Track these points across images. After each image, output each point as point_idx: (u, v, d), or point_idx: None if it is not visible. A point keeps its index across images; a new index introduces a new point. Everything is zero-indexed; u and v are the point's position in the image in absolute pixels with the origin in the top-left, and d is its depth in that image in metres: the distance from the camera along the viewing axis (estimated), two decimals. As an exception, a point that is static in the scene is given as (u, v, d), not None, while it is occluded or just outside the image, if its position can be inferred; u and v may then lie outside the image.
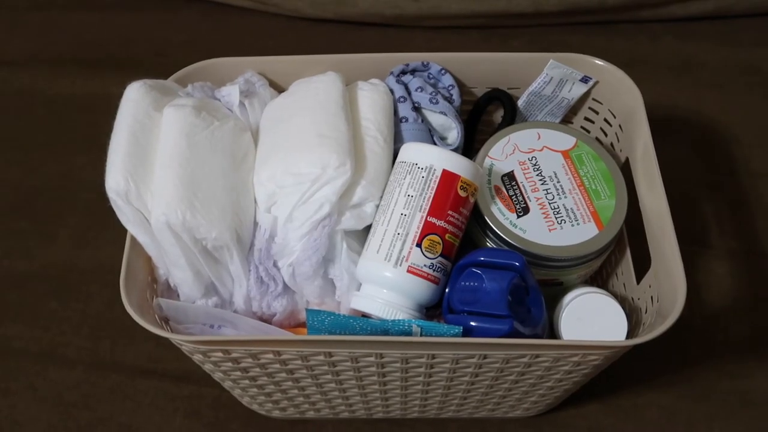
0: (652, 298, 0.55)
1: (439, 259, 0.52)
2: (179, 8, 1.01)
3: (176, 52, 0.95)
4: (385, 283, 0.52)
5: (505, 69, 0.63)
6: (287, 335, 0.55)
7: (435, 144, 0.59)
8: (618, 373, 0.62)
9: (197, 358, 0.53)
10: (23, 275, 0.78)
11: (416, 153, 0.54)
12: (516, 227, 0.55)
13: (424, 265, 0.52)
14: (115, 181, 0.51)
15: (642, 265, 0.58)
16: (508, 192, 0.57)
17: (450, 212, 0.53)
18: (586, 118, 0.66)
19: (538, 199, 0.56)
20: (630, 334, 0.54)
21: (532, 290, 0.51)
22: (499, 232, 0.55)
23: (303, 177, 0.53)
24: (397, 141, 0.59)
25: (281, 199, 0.55)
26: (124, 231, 0.53)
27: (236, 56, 0.63)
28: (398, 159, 0.55)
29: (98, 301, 0.75)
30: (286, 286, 0.56)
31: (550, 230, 0.55)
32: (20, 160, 0.87)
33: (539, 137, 0.60)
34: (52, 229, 0.81)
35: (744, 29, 0.96)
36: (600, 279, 0.66)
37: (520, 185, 0.57)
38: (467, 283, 0.50)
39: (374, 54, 0.62)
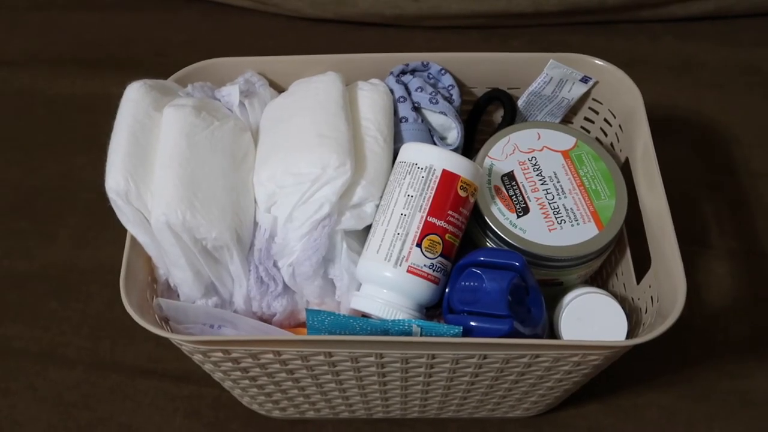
0: (652, 298, 0.55)
1: (439, 259, 0.52)
2: (179, 8, 1.01)
3: (176, 52, 0.95)
4: (385, 283, 0.52)
5: (505, 69, 0.63)
6: (287, 335, 0.55)
7: (435, 144, 0.59)
8: (618, 373, 0.62)
9: (197, 358, 0.53)
10: (23, 275, 0.78)
11: (416, 153, 0.54)
12: (516, 227, 0.55)
13: (424, 265, 0.52)
14: (115, 181, 0.51)
15: (642, 265, 0.58)
16: (508, 192, 0.57)
17: (450, 212, 0.53)
18: (586, 118, 0.66)
19: (538, 199, 0.56)
20: (630, 334, 0.54)
21: (532, 290, 0.51)
22: (499, 232, 0.55)
23: (303, 177, 0.53)
24: (397, 141, 0.59)
25: (281, 199, 0.55)
26: (124, 231, 0.53)
27: (236, 56, 0.63)
28: (398, 159, 0.55)
29: (98, 301, 0.75)
30: (286, 286, 0.56)
31: (550, 230, 0.55)
32: (20, 160, 0.87)
33: (539, 137, 0.60)
34: (52, 229, 0.81)
35: (744, 29, 0.96)
36: (600, 279, 0.66)
37: (520, 185, 0.57)
38: (467, 283, 0.50)
39: (374, 54, 0.62)
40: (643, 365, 0.69)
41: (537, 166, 0.58)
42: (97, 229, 0.80)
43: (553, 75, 0.61)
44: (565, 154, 0.59)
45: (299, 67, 0.62)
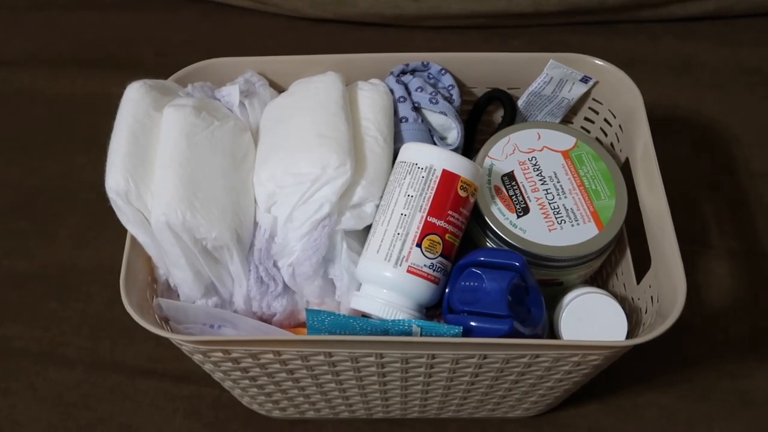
0: (652, 298, 0.55)
1: (439, 259, 0.52)
2: (179, 8, 1.01)
3: (176, 52, 0.95)
4: (385, 283, 0.52)
5: (505, 69, 0.63)
6: (287, 335, 0.55)
7: (435, 144, 0.59)
8: (618, 373, 0.62)
9: (197, 358, 0.53)
10: (23, 275, 0.78)
11: (416, 153, 0.54)
12: (516, 227, 0.55)
13: (424, 265, 0.52)
14: (115, 181, 0.51)
15: (642, 265, 0.58)
16: (508, 192, 0.57)
17: (450, 212, 0.53)
18: (586, 118, 0.66)
19: (538, 199, 0.56)
20: (630, 334, 0.54)
21: (532, 290, 0.51)
22: (499, 232, 0.55)
23: (303, 177, 0.53)
24: (397, 141, 0.59)
25: (281, 199, 0.55)
26: (124, 231, 0.53)
27: (236, 56, 0.63)
28: (398, 159, 0.55)
29: (98, 301, 0.75)
30: (286, 286, 0.56)
31: (550, 230, 0.55)
32: (20, 160, 0.87)
33: (539, 137, 0.60)
34: (52, 229, 0.81)
35: (744, 29, 0.96)
36: (600, 279, 0.66)
37: (520, 185, 0.57)
38: (467, 283, 0.50)
39: (374, 54, 0.62)
40: (643, 365, 0.69)
41: (537, 166, 0.58)
42: (97, 229, 0.80)
43: (553, 75, 0.61)
44: (565, 154, 0.59)
45: (299, 67, 0.62)
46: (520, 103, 0.64)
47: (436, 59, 0.63)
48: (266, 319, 0.57)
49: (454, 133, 0.61)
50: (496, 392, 0.58)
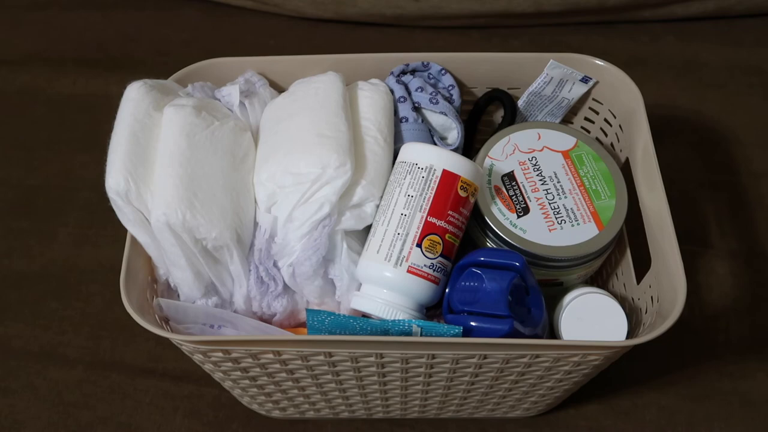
0: (652, 298, 0.55)
1: (439, 259, 0.52)
2: (180, 8, 1.01)
3: (177, 51, 0.95)
4: (385, 283, 0.52)
5: (505, 69, 0.63)
6: (287, 335, 0.55)
7: (435, 144, 0.59)
8: (618, 373, 0.62)
9: (197, 358, 0.53)
10: (23, 275, 0.78)
11: (416, 153, 0.54)
12: (516, 227, 0.55)
13: (424, 265, 0.52)
14: (115, 180, 0.51)
15: (642, 265, 0.58)
16: (508, 192, 0.57)
17: (450, 212, 0.53)
18: (586, 118, 0.66)
19: (538, 199, 0.56)
20: (630, 335, 0.54)
21: (532, 290, 0.51)
22: (499, 232, 0.55)
23: (303, 177, 0.53)
24: (397, 141, 0.59)
25: (281, 199, 0.55)
26: (124, 231, 0.53)
27: (236, 56, 0.63)
28: (398, 159, 0.55)
29: (98, 300, 0.75)
30: (286, 286, 0.56)
31: (550, 230, 0.55)
32: (20, 159, 0.87)
33: (539, 137, 0.60)
34: (52, 229, 0.81)
35: (745, 29, 0.96)
36: (600, 279, 0.66)
37: (520, 185, 0.57)
38: (467, 283, 0.50)
39: (374, 54, 0.62)
40: (643, 365, 0.69)
41: (537, 166, 0.58)
42: (97, 228, 0.80)
43: (553, 75, 0.61)
44: (566, 154, 0.59)
45: (299, 67, 0.62)
46: (520, 103, 0.64)
47: (436, 59, 0.63)
48: (266, 319, 0.57)
49: (454, 133, 0.61)
50: (496, 392, 0.58)
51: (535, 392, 0.58)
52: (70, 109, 0.91)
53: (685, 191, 0.80)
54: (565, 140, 0.60)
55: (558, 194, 0.57)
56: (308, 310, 0.49)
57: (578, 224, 0.55)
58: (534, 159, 0.59)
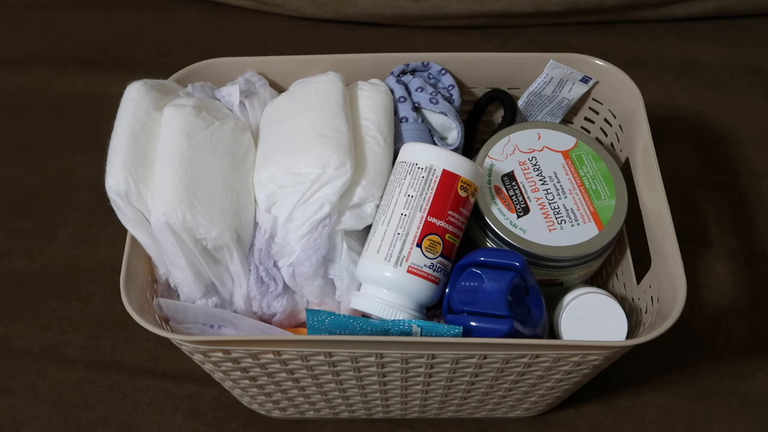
0: (652, 298, 0.55)
1: (439, 259, 0.52)
2: (180, 8, 1.01)
3: (177, 51, 0.95)
4: (385, 283, 0.52)
5: (505, 69, 0.63)
6: (287, 335, 0.55)
7: (435, 144, 0.59)
8: (618, 373, 0.62)
9: (197, 358, 0.53)
10: (23, 275, 0.78)
11: (416, 153, 0.54)
12: (516, 227, 0.55)
13: (424, 265, 0.52)
14: (115, 180, 0.51)
15: (642, 265, 0.58)
16: (508, 192, 0.57)
17: (450, 212, 0.53)
18: (586, 118, 0.66)
19: (538, 199, 0.56)
20: (630, 334, 0.54)
21: (532, 290, 0.51)
22: (499, 232, 0.55)
23: (303, 177, 0.53)
24: (397, 141, 0.59)
25: (281, 199, 0.55)
26: (124, 231, 0.53)
27: (236, 56, 0.63)
28: (398, 159, 0.55)
29: (98, 300, 0.75)
30: (286, 286, 0.56)
31: (550, 230, 0.55)
32: (20, 159, 0.87)
33: (539, 137, 0.60)
34: (52, 229, 0.81)
35: (745, 29, 0.96)
36: (600, 279, 0.66)
37: (520, 185, 0.57)
38: (467, 283, 0.50)
39: (374, 54, 0.62)
40: (643, 365, 0.69)
41: (537, 166, 0.58)
42: (97, 228, 0.80)
43: (553, 75, 0.61)
44: (566, 154, 0.59)
45: (299, 67, 0.62)
46: (520, 103, 0.64)
47: (436, 59, 0.63)
48: (266, 319, 0.57)
49: (454, 133, 0.61)
50: (496, 392, 0.58)
51: (535, 392, 0.58)
52: (70, 109, 0.91)
53: (685, 191, 0.80)
54: (565, 140, 0.60)
55: (558, 194, 0.57)
56: (308, 310, 0.49)
57: (578, 224, 0.55)
58: (534, 159, 0.59)
